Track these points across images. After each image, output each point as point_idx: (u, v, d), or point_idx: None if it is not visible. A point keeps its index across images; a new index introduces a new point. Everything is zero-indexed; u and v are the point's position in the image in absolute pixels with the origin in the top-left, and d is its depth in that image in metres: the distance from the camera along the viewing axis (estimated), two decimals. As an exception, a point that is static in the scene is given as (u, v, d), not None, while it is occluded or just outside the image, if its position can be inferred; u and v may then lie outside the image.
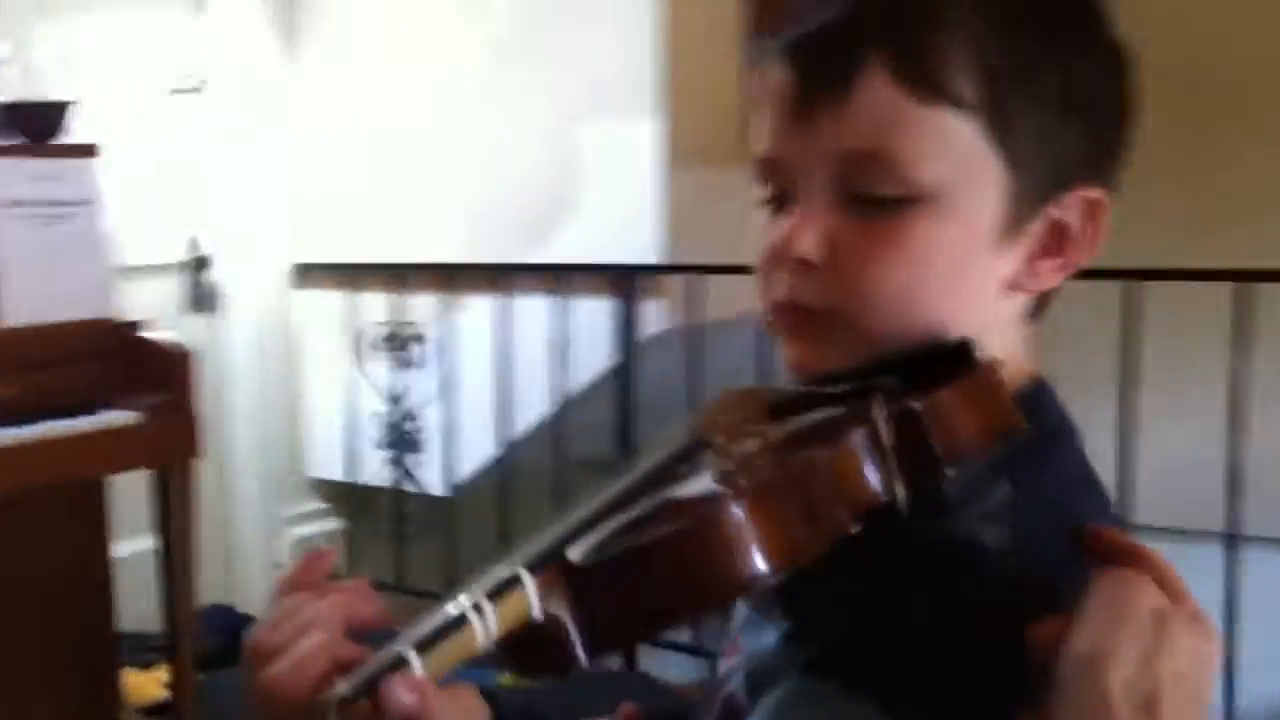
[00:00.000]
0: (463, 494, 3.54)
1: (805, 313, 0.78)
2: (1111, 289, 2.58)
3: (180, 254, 3.55)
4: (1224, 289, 2.55)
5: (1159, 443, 2.93)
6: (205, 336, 3.48)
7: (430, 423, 3.59)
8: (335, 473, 3.81)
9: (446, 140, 3.46)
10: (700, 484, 0.67)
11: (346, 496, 3.84)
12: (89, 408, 2.51)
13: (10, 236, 2.54)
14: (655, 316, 3.23)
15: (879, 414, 0.68)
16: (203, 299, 3.60)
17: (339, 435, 3.73)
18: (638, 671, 3.23)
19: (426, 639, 0.60)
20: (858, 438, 0.67)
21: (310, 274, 3.76)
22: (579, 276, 3.25)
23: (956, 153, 0.75)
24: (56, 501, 2.70)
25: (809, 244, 0.77)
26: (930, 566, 0.72)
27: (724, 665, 0.89)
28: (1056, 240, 0.79)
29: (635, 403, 3.23)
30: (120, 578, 2.87)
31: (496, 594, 0.61)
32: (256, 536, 3.77)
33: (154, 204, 3.42)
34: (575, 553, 0.63)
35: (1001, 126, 0.75)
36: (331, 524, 3.94)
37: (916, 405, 0.68)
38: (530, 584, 0.62)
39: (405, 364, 3.60)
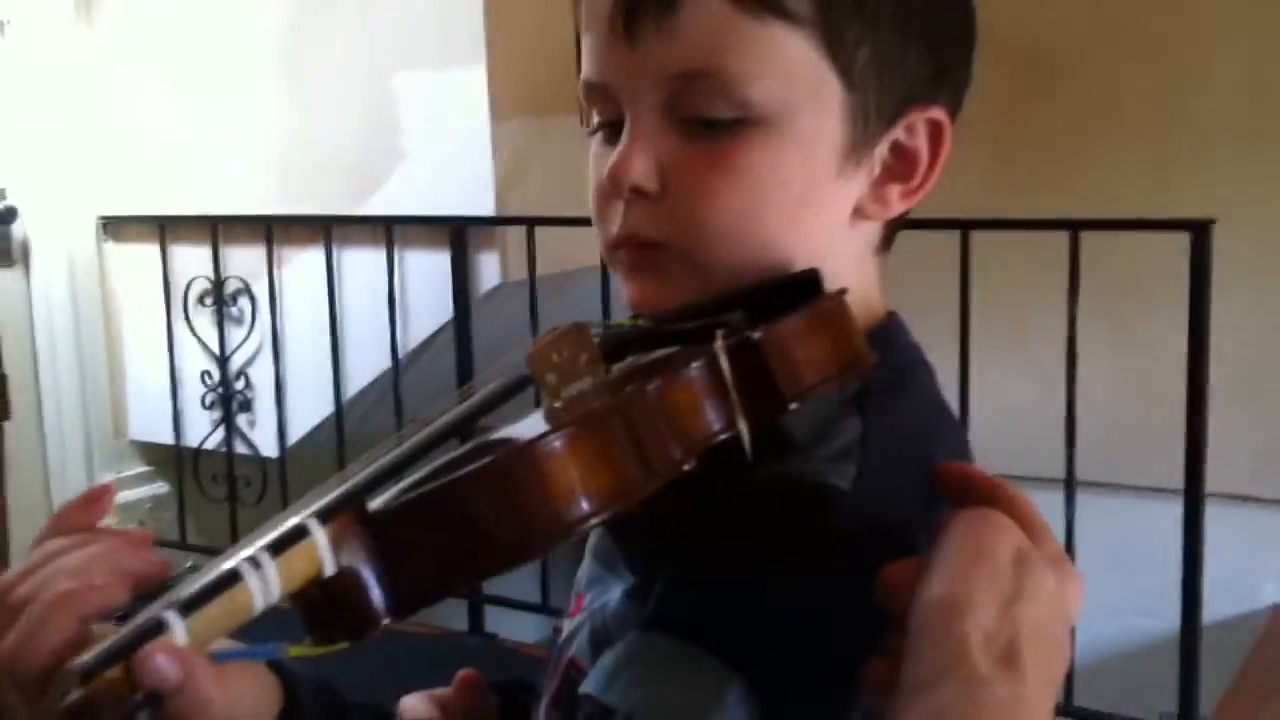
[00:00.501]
0: (297, 454, 3.42)
1: (643, 246, 0.74)
2: (946, 238, 2.58)
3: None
4: (1059, 238, 2.58)
5: (996, 392, 2.98)
6: (12, 292, 3.29)
7: (259, 381, 3.45)
8: (161, 435, 3.64)
9: (261, 87, 3.31)
10: (523, 424, 0.61)
11: (173, 459, 3.68)
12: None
13: None
14: (490, 270, 3.14)
15: (718, 346, 0.62)
16: (7, 252, 3.39)
17: (163, 396, 3.56)
18: (484, 634, 3.18)
19: (192, 600, 0.51)
20: (693, 370, 0.62)
21: (123, 226, 3.58)
22: (409, 229, 3.14)
23: (791, 71, 0.70)
24: None
25: (641, 171, 0.72)
26: (778, 510, 0.68)
27: (568, 625, 0.83)
28: (902, 164, 0.75)
29: (473, 357, 3.15)
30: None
31: (280, 547, 0.53)
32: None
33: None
34: (373, 498, 0.56)
35: (837, 43, 0.71)
36: (158, 488, 3.78)
37: (756, 335, 0.63)
38: (320, 534, 0.53)
39: (230, 320, 3.45)
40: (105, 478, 3.63)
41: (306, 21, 3.24)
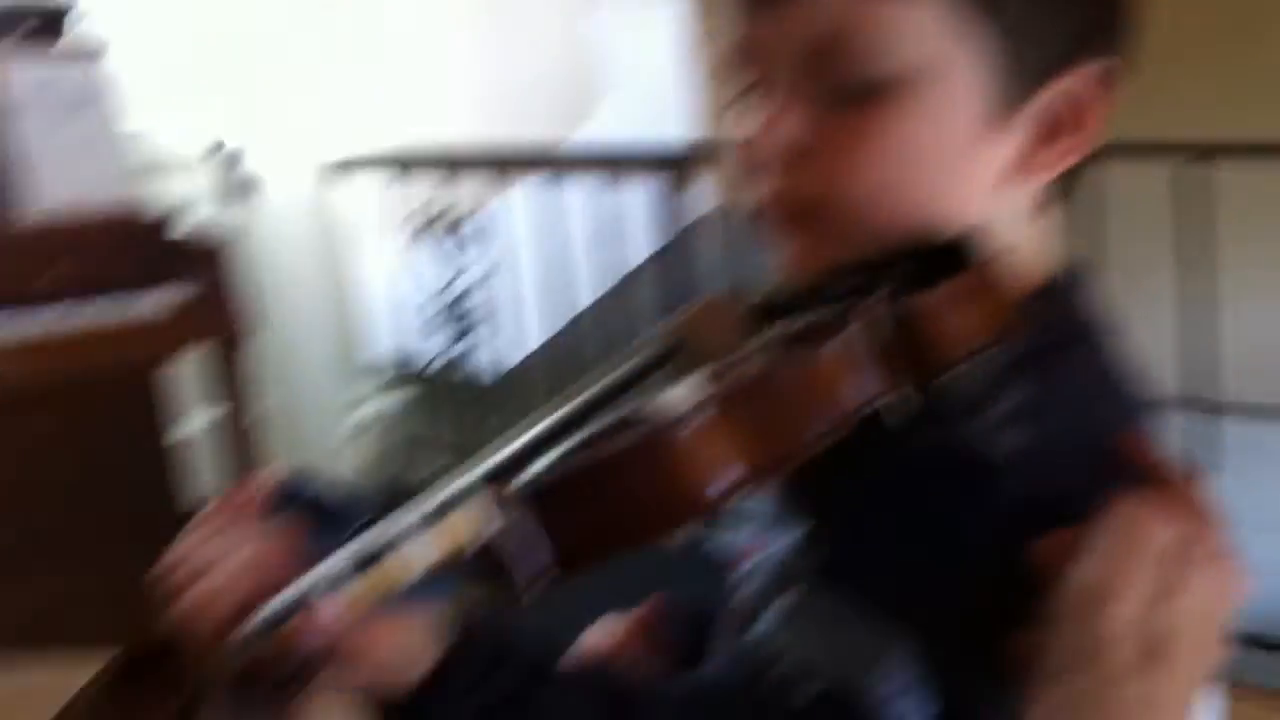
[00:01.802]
0: (518, 376, 3.53)
1: (791, 207, 0.73)
2: (1170, 167, 2.45)
3: (216, 146, 3.51)
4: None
5: (1246, 321, 2.81)
6: (246, 226, 3.47)
7: (480, 307, 3.56)
8: (388, 358, 3.81)
9: (486, 24, 3.37)
10: (673, 393, 0.62)
11: (400, 381, 3.85)
12: (129, 293, 2.50)
13: (31, 129, 2.52)
14: (704, 199, 3.15)
15: (868, 315, 0.62)
16: (239, 189, 3.57)
17: (390, 320, 3.72)
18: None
19: (357, 564, 0.55)
20: (844, 339, 0.62)
21: (358, 162, 3.72)
22: (629, 161, 3.17)
23: (936, 33, 0.68)
24: (108, 389, 2.74)
25: (786, 135, 0.71)
26: (936, 475, 0.67)
27: (745, 566, 0.85)
28: (1059, 119, 0.72)
29: (688, 286, 3.17)
30: (193, 455, 2.92)
31: (438, 515, 0.56)
32: (316, 421, 3.80)
33: (187, 95, 3.39)
34: (529, 470, 0.58)
35: (984, 2, 0.68)
36: (388, 408, 3.96)
37: (908, 305, 0.62)
38: (477, 503, 0.56)
39: (454, 248, 3.57)
40: (339, 398, 3.83)
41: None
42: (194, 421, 3.04)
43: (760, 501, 0.87)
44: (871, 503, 0.68)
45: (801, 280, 0.73)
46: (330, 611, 0.53)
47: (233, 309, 2.60)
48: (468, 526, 0.56)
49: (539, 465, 0.59)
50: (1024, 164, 0.72)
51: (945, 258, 0.66)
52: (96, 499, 2.73)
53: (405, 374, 3.81)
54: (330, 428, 3.83)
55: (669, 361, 0.67)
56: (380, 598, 0.55)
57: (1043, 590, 0.61)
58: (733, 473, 0.57)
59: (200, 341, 2.60)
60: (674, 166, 3.09)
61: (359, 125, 3.65)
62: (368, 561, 0.55)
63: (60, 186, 2.54)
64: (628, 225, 3.24)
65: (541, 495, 0.57)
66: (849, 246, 0.71)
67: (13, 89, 2.50)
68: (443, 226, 3.55)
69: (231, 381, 2.64)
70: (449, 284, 3.59)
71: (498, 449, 0.60)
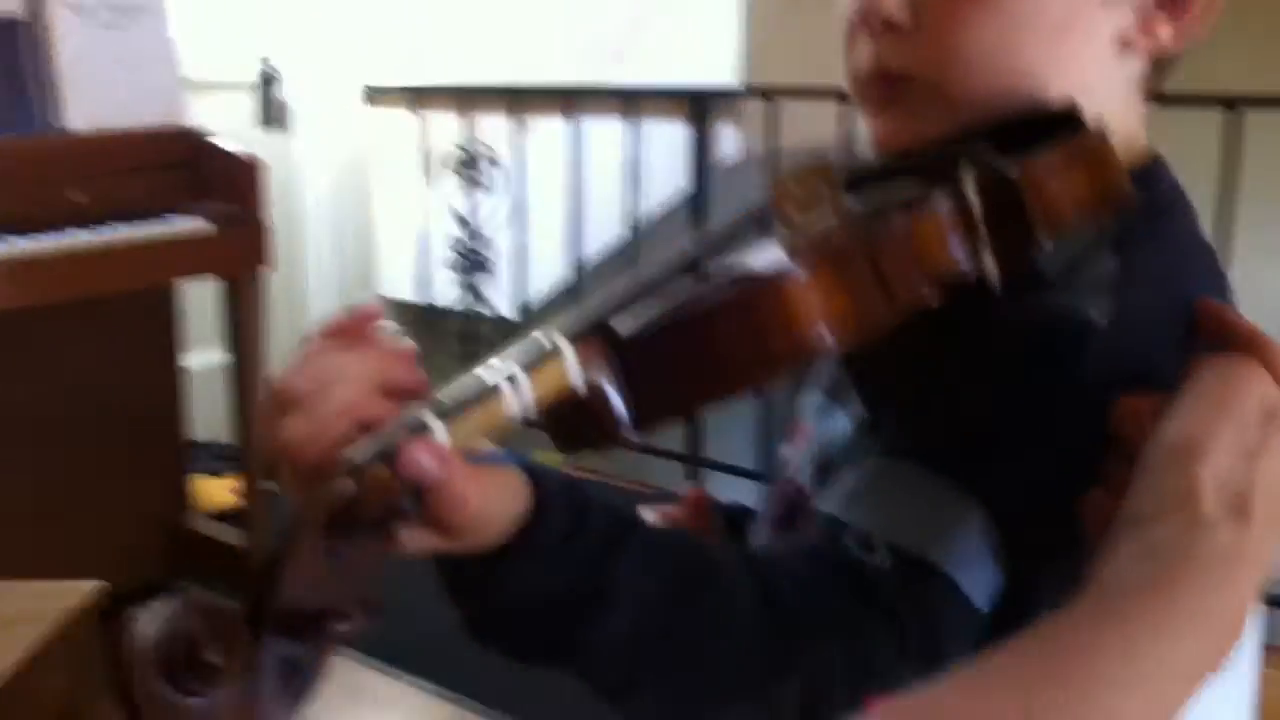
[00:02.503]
0: (532, 316, 3.53)
1: (892, 80, 0.72)
2: (1214, 117, 2.44)
3: (251, 72, 3.50)
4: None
5: (1261, 282, 2.80)
6: (276, 153, 3.45)
7: (501, 245, 3.56)
8: (406, 293, 3.80)
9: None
10: (764, 254, 0.62)
11: (418, 316, 3.85)
12: (159, 215, 2.49)
13: (71, 42, 2.50)
14: (731, 141, 3.14)
15: (967, 180, 0.61)
16: (273, 116, 3.56)
17: (411, 256, 3.71)
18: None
19: (453, 406, 0.54)
20: (941, 203, 0.61)
21: (383, 95, 3.71)
22: (651, 100, 3.16)
23: None
24: (129, 309, 2.73)
25: (892, 2, 0.70)
26: (1027, 340, 0.66)
27: (788, 451, 0.85)
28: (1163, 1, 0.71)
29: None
30: (193, 389, 2.91)
31: (533, 363, 0.56)
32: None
33: (225, 20, 3.37)
34: (621, 321, 0.58)
35: None
36: (404, 343, 3.95)
37: (1010, 170, 0.61)
38: (570, 352, 0.56)
39: (476, 186, 3.56)
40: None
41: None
42: (208, 352, 3.03)
43: (810, 391, 0.87)
44: (959, 367, 0.68)
45: (899, 153, 0.72)
46: (440, 442, 0.53)
47: (261, 238, 2.58)
48: (564, 374, 0.56)
49: (626, 318, 0.59)
50: (1130, 37, 0.71)
51: (1051, 126, 0.65)
52: (94, 424, 2.73)
53: (425, 311, 3.80)
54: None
55: (756, 225, 0.67)
56: (484, 435, 0.55)
57: (1124, 445, 0.61)
58: (821, 331, 0.57)
59: (225, 269, 2.59)
60: (700, 108, 3.08)
61: (392, 56, 3.63)
62: (473, 402, 0.54)
63: (101, 102, 2.53)
64: (653, 167, 3.23)
65: (636, 343, 0.57)
66: (949, 119, 0.70)
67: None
68: (467, 163, 3.54)
69: (249, 312, 2.62)
70: (471, 221, 3.58)
71: (590, 306, 0.60)
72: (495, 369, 0.56)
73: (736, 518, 0.92)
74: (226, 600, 0.48)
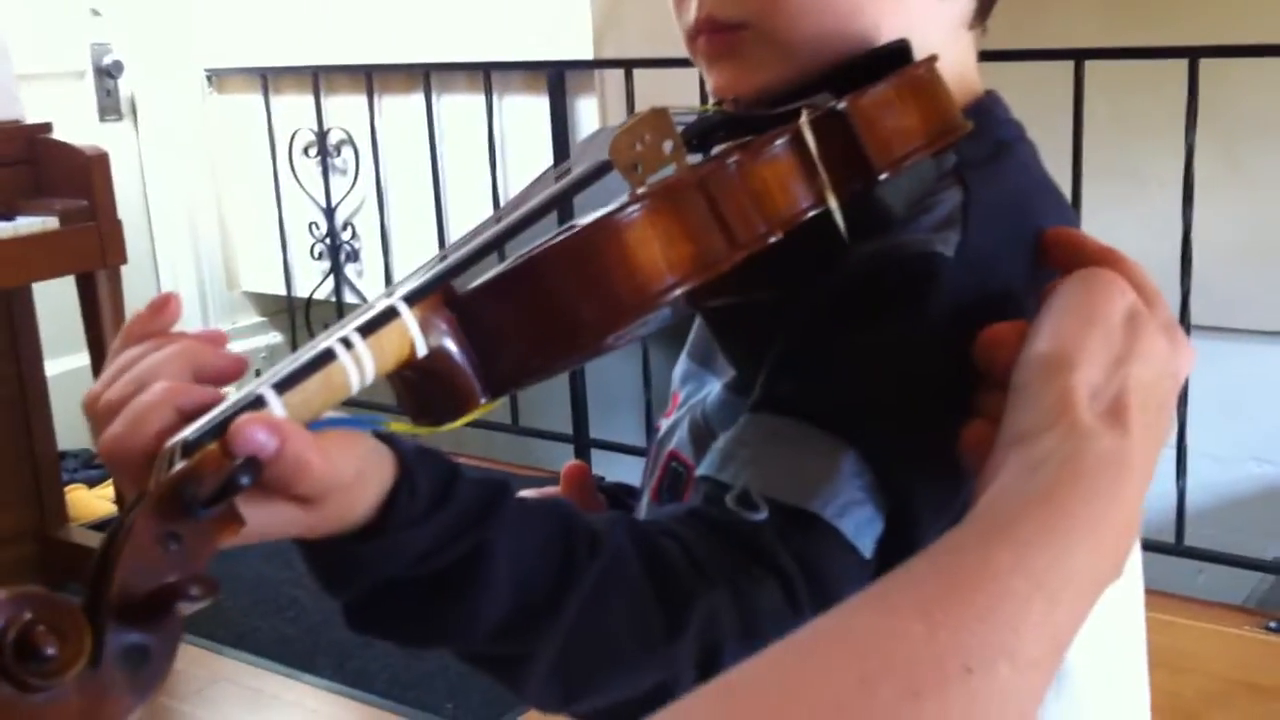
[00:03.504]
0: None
1: (722, 29, 0.72)
2: (1058, 69, 2.50)
3: (88, 60, 3.38)
4: (1176, 69, 2.47)
5: (1108, 231, 2.89)
6: (121, 145, 3.35)
7: (365, 231, 3.50)
8: (272, 286, 3.72)
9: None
10: (606, 210, 0.61)
11: (285, 309, 3.77)
12: (2, 215, 2.40)
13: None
14: (589, 114, 3.12)
15: (802, 120, 0.61)
16: (114, 106, 3.45)
17: (272, 247, 3.63)
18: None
19: (288, 378, 0.52)
20: (777, 145, 0.61)
21: (228, 78, 3.61)
22: (508, 75, 3.12)
23: None
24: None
25: None
26: (881, 280, 0.66)
27: (665, 423, 0.84)
28: None
29: (573, 204, 3.14)
30: (60, 396, 2.81)
31: (370, 328, 0.53)
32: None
33: (58, 7, 3.25)
34: (459, 281, 0.56)
35: None
36: (272, 338, 3.88)
37: (841, 105, 0.62)
38: (408, 314, 0.54)
39: (334, 171, 3.49)
40: (220, 328, 3.72)
41: None
42: (62, 357, 2.93)
43: (683, 360, 0.87)
44: (815, 314, 0.67)
45: (736, 101, 0.72)
46: (278, 412, 0.50)
47: (109, 233, 2.50)
48: (404, 336, 0.54)
49: (473, 275, 0.57)
50: None
51: (883, 65, 0.65)
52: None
53: (286, 302, 3.72)
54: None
55: (595, 181, 0.65)
56: (325, 404, 0.52)
57: (991, 374, 0.61)
58: (663, 273, 0.56)
59: (76, 266, 2.50)
60: (559, 81, 3.06)
61: (237, 38, 3.54)
62: (308, 370, 0.52)
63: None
64: (511, 142, 3.20)
65: (474, 299, 0.56)
66: (785, 64, 0.71)
67: None
68: (322, 147, 3.46)
69: (106, 310, 2.53)
70: (331, 208, 3.51)
71: (430, 270, 0.58)
72: (331, 335, 0.53)
73: (618, 495, 0.91)
74: (60, 592, 0.45)
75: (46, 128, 2.55)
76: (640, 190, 0.57)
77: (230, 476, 0.48)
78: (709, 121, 0.70)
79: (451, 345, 0.55)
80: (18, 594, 0.44)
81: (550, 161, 3.09)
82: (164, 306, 0.59)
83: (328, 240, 3.54)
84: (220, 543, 0.49)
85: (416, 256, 3.33)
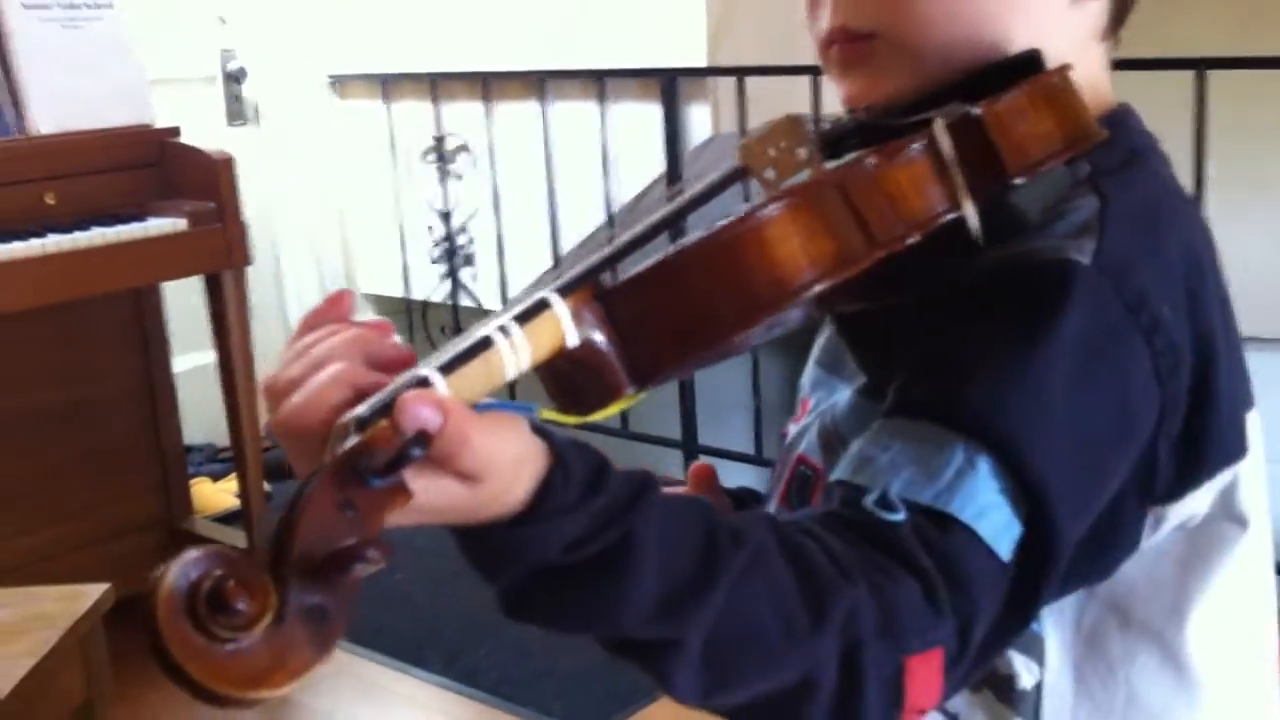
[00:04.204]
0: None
1: (854, 38, 0.74)
2: (1180, 79, 2.45)
3: (215, 66, 3.49)
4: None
5: (1231, 244, 2.82)
6: (246, 149, 3.44)
7: (480, 236, 3.55)
8: (390, 288, 3.79)
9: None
10: (742, 207, 0.63)
11: (403, 311, 3.84)
12: (133, 216, 2.49)
13: (30, 41, 2.49)
14: (701, 122, 3.14)
15: (936, 125, 0.63)
16: (241, 111, 3.55)
17: (391, 250, 3.70)
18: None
19: (451, 361, 0.55)
20: (913, 148, 0.63)
21: (350, 84, 3.70)
22: (620, 82, 3.15)
23: None
24: (115, 315, 2.73)
25: None
26: (1013, 285, 0.67)
27: (794, 428, 0.86)
28: None
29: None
30: (186, 391, 2.91)
31: (526, 317, 0.57)
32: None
33: (185, 13, 3.36)
34: (607, 275, 0.59)
35: None
36: (386, 339, 3.94)
37: (976, 111, 0.63)
38: (560, 306, 0.57)
39: (451, 176, 3.55)
40: (338, 328, 3.82)
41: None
42: (189, 353, 3.03)
43: (811, 367, 0.88)
44: (949, 319, 0.68)
45: (868, 110, 0.74)
46: (442, 391, 0.53)
47: (235, 235, 2.57)
48: (557, 326, 0.57)
49: (619, 270, 0.60)
50: None
51: (1013, 74, 0.66)
52: (86, 433, 2.73)
53: (403, 304, 3.79)
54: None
55: (730, 186, 0.67)
56: (484, 388, 0.55)
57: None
58: (802, 269, 0.58)
59: (203, 267, 2.58)
60: (671, 86, 3.08)
61: (358, 45, 3.61)
62: (469, 355, 0.55)
63: (64, 103, 2.51)
64: (624, 149, 3.23)
65: (622, 292, 0.58)
66: (916, 72, 0.72)
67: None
68: (439, 152, 3.53)
69: (232, 310, 2.61)
70: (448, 212, 3.57)
71: (573, 267, 0.61)
72: (489, 324, 0.56)
73: (744, 499, 0.92)
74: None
75: (175, 132, 2.63)
76: (784, 191, 0.59)
77: (403, 448, 0.51)
78: (841, 129, 0.72)
79: (599, 336, 0.58)
80: (212, 551, 0.48)
81: (662, 168, 3.11)
82: (339, 300, 0.64)
83: (444, 244, 3.61)
84: (391, 511, 0.52)
85: (530, 260, 3.40)
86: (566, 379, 0.59)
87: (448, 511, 0.55)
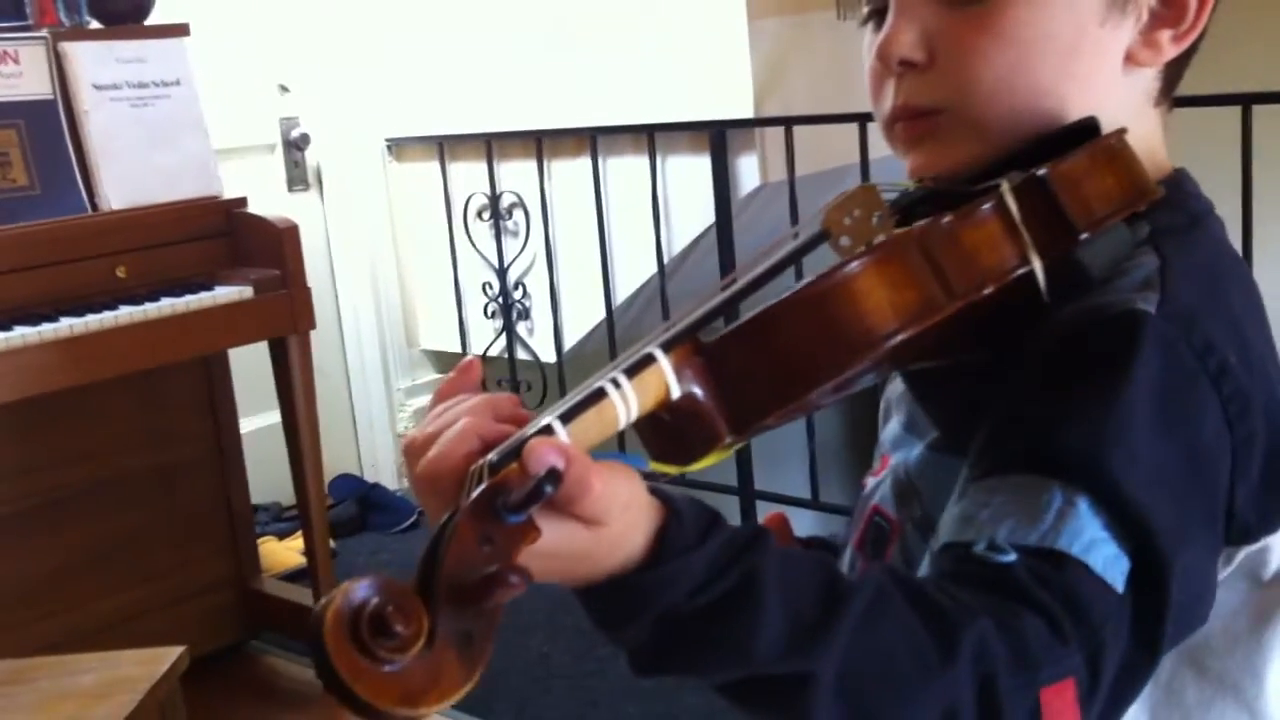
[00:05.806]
0: (573, 358, 3.57)
1: (918, 115, 0.79)
2: (1226, 114, 2.47)
3: (275, 134, 3.57)
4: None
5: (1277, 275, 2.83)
6: (308, 212, 3.52)
7: (535, 290, 3.61)
8: (449, 343, 3.85)
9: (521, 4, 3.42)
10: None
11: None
12: (202, 285, 2.56)
13: (105, 121, 2.57)
14: (750, 172, 3.18)
15: (1004, 188, 0.68)
16: (301, 176, 3.63)
17: (449, 307, 3.77)
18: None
19: (569, 410, 0.60)
20: (983, 209, 0.67)
21: (406, 147, 3.78)
22: (670, 135, 3.21)
23: None
24: (187, 381, 2.81)
25: (908, 44, 0.77)
26: (1084, 336, 0.70)
27: (870, 481, 0.90)
28: (1170, 7, 0.77)
29: (736, 260, 3.20)
30: (253, 451, 2.97)
31: (633, 371, 0.61)
32: (378, 408, 3.86)
33: (249, 85, 3.45)
34: (705, 332, 0.64)
35: None
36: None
37: (1041, 172, 0.68)
38: (664, 360, 0.62)
39: (506, 233, 3.61)
40: (400, 385, 3.89)
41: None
42: (255, 415, 3.09)
43: (893, 424, 0.92)
44: (1028, 374, 0.71)
45: (935, 183, 0.77)
46: (563, 439, 0.58)
47: (299, 301, 2.64)
48: (662, 379, 0.62)
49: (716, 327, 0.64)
50: (1136, 52, 0.77)
51: (1073, 141, 0.71)
52: (163, 496, 2.80)
53: (461, 359, 3.84)
54: (388, 416, 3.89)
55: (810, 252, 0.71)
56: (599, 436, 0.60)
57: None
58: (889, 318, 0.63)
59: (269, 332, 2.65)
60: (719, 138, 3.12)
61: (415, 107, 3.69)
62: (584, 405, 0.60)
63: (135, 179, 2.59)
64: (674, 201, 3.28)
65: (722, 347, 0.63)
66: (980, 143, 0.76)
67: (90, 75, 2.55)
68: (494, 210, 3.59)
69: (297, 372, 2.67)
70: (503, 268, 3.63)
71: (676, 324, 0.65)
72: (601, 377, 0.61)
73: (817, 548, 0.95)
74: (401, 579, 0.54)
75: (242, 202, 2.70)
76: (867, 249, 0.64)
77: (536, 485, 0.55)
78: (912, 196, 0.76)
79: (699, 388, 0.62)
80: (371, 580, 0.53)
81: (712, 218, 3.15)
82: (469, 369, 0.69)
83: (500, 299, 3.67)
84: (524, 547, 0.56)
85: (584, 313, 3.44)
86: (667, 429, 0.64)
87: (572, 556, 0.59)
